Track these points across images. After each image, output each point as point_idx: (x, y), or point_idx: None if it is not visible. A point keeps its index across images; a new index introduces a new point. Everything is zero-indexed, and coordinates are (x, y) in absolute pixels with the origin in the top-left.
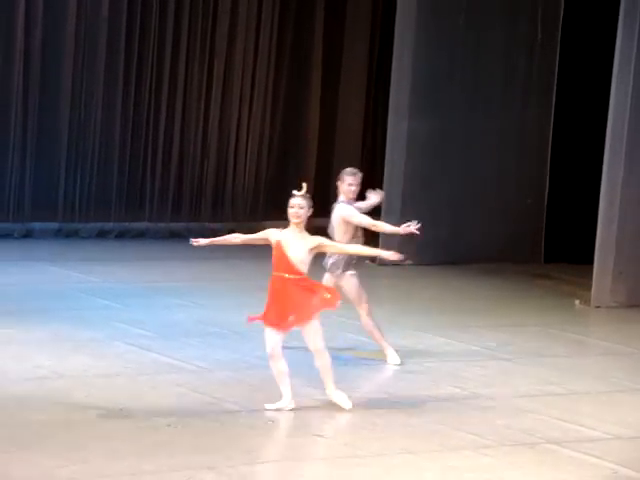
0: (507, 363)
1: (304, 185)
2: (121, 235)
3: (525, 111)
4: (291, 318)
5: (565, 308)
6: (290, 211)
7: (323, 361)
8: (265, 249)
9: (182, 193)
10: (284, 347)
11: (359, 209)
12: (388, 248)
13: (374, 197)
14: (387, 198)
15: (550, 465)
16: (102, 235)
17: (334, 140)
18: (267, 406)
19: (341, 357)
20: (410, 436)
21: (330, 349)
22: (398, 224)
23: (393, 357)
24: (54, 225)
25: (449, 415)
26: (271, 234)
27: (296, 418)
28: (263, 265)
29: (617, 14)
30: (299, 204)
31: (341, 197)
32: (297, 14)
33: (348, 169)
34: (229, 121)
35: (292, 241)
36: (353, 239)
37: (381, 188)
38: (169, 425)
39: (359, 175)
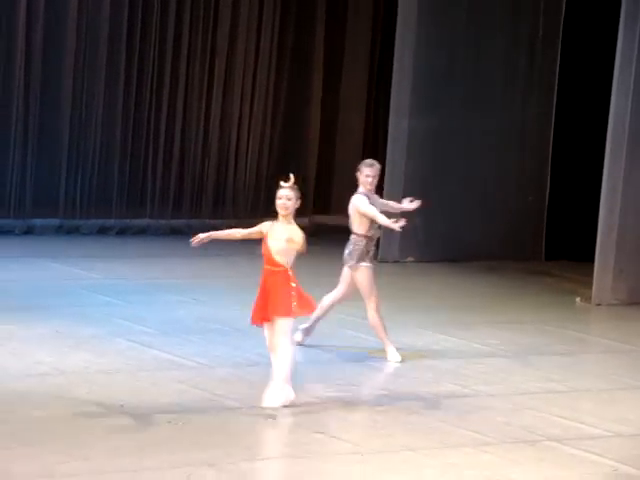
0: (507, 360)
1: (291, 176)
2: (122, 232)
3: (526, 111)
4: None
5: (566, 306)
6: (278, 202)
7: (283, 355)
8: None
9: (183, 190)
10: None
11: (385, 206)
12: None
13: (406, 204)
14: (387, 198)
15: (550, 462)
16: (103, 232)
17: (335, 140)
18: (265, 404)
19: (340, 354)
20: (411, 433)
21: (330, 346)
22: (397, 220)
23: (393, 354)
24: (55, 222)
25: (449, 412)
26: (263, 227)
27: (297, 415)
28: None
29: (618, 14)
30: (287, 195)
31: (360, 188)
32: (298, 15)
33: (367, 160)
34: (230, 120)
35: (276, 232)
36: (370, 231)
37: (381, 188)
38: (170, 422)
39: (377, 166)
